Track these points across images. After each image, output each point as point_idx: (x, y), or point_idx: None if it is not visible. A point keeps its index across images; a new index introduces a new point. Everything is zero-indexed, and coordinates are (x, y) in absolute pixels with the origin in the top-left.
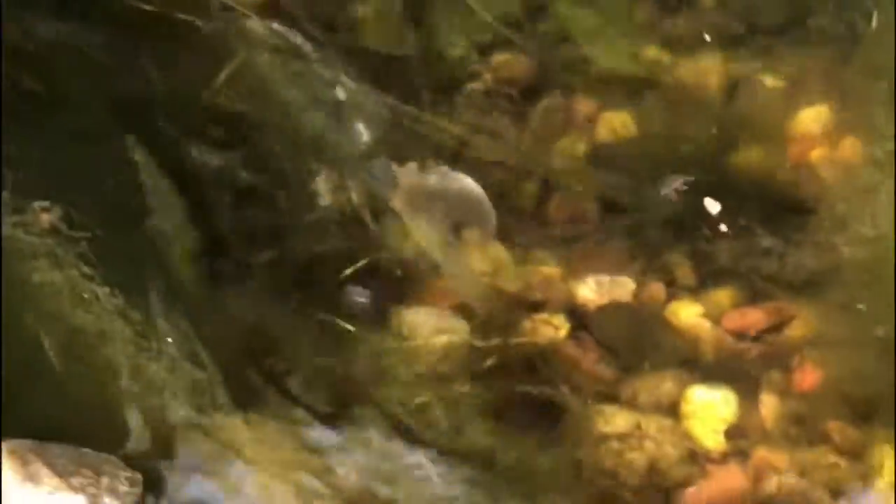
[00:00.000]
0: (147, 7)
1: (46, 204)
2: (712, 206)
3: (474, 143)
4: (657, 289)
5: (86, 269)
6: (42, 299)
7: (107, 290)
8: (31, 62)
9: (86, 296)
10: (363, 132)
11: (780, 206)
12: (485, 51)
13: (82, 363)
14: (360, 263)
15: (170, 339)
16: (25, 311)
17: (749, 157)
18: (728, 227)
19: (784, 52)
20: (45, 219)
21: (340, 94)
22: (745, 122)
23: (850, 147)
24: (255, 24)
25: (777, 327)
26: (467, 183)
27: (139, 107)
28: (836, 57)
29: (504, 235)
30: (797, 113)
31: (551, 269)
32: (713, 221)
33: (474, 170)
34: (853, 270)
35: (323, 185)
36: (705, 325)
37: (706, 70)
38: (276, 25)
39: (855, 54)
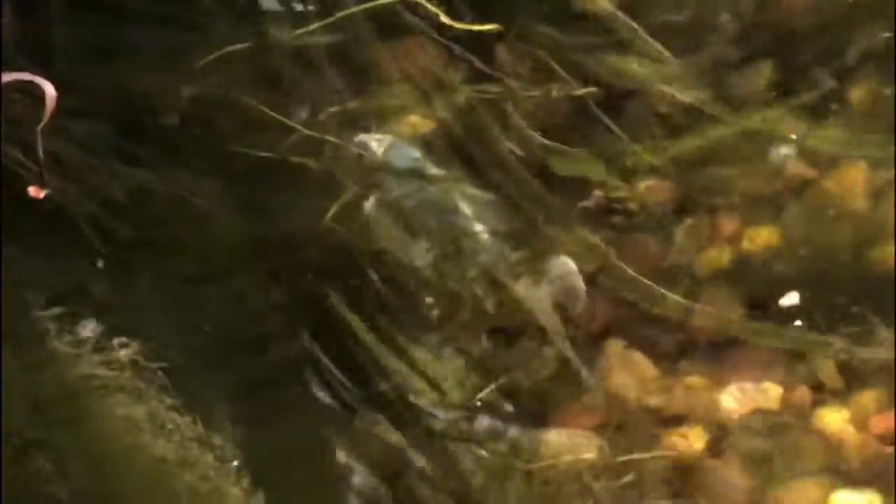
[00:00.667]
0: (262, 153)
1: (125, 340)
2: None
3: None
4: (803, 394)
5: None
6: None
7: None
8: (132, 213)
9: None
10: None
11: None
12: (628, 176)
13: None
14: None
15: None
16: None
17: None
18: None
19: None
20: (124, 354)
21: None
22: (888, 225)
23: None
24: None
25: None
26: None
27: (253, 248)
28: None
29: (649, 346)
30: None
31: (695, 380)
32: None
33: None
34: None
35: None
36: (850, 430)
37: (851, 179)
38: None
39: None
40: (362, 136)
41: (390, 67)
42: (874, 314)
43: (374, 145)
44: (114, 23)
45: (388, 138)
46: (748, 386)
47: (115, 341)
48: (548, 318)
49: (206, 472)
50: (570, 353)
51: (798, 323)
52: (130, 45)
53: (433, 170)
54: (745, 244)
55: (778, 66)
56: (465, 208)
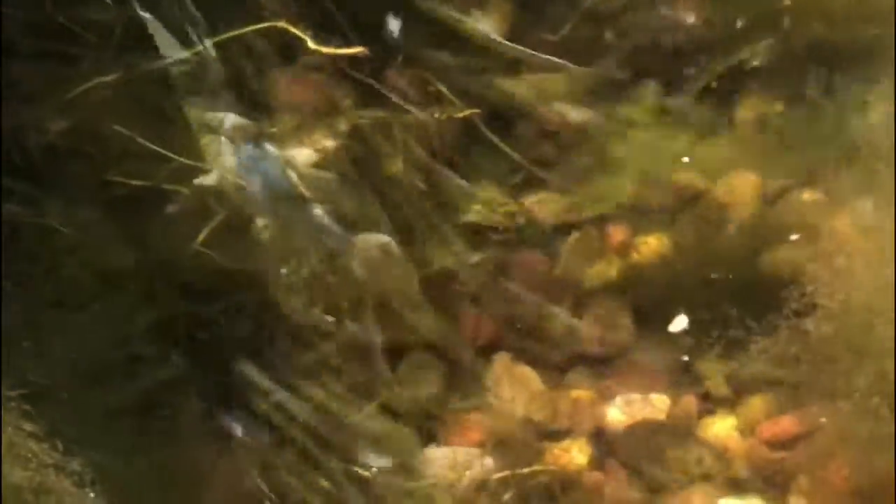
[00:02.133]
0: (134, 182)
1: None
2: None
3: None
4: (689, 403)
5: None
6: None
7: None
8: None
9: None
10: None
11: None
12: (516, 191)
13: None
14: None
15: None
16: None
17: (781, 257)
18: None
19: (818, 165)
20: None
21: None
22: (777, 232)
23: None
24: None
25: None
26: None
27: (123, 274)
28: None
29: (536, 359)
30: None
31: (581, 393)
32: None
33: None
34: None
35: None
36: (737, 437)
37: (740, 189)
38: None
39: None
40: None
41: (281, 92)
42: (756, 322)
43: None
44: None
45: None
46: (635, 397)
47: None
48: None
49: (63, 498)
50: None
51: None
52: (8, 81)
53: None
54: (634, 255)
55: (665, 83)
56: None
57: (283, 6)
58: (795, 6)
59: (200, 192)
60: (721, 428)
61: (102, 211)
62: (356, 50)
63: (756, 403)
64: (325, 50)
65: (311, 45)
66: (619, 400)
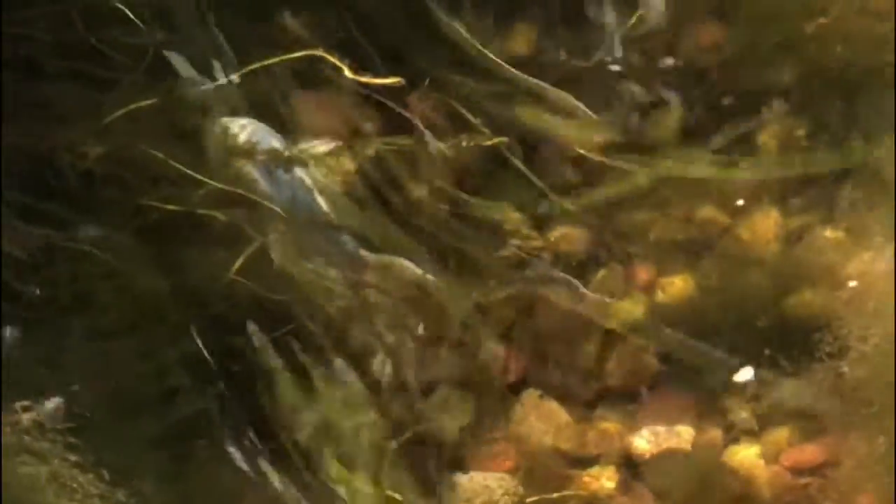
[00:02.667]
0: (169, 207)
1: (27, 403)
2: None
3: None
4: (715, 433)
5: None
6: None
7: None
8: (39, 271)
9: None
10: None
11: None
12: (541, 223)
13: None
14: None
15: None
16: None
17: (805, 300)
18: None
19: (841, 201)
20: (27, 417)
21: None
22: (802, 271)
23: None
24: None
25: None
26: None
27: (161, 301)
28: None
29: (564, 393)
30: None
31: (609, 425)
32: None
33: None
34: None
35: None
36: (761, 465)
37: (763, 226)
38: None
39: None
40: (224, 119)
41: (307, 117)
42: (786, 358)
43: (235, 129)
44: (23, 80)
45: (251, 123)
46: (660, 429)
47: (17, 405)
48: None
49: None
50: None
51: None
52: (39, 102)
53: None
54: (660, 294)
55: (688, 107)
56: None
57: (310, 33)
58: (819, 32)
59: (236, 219)
60: (745, 456)
61: (137, 236)
62: (392, 80)
63: (781, 433)
64: (362, 79)
65: (348, 73)
66: (645, 431)
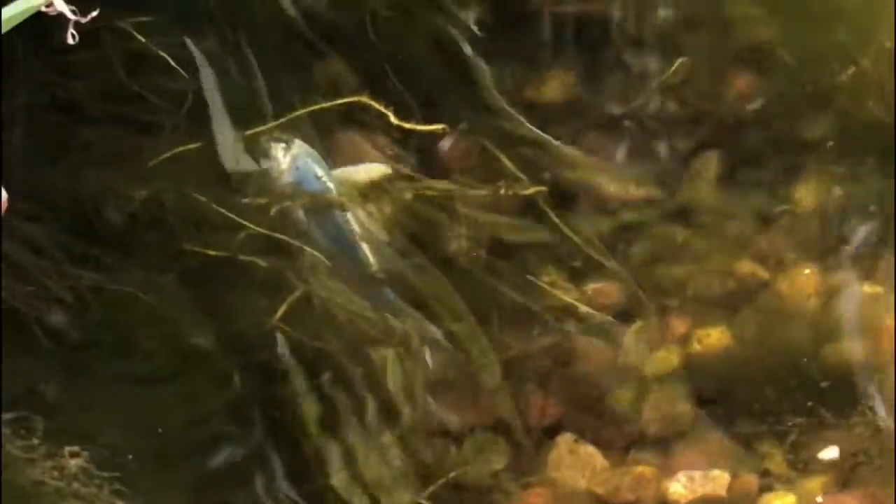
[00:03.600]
0: (211, 252)
1: (76, 449)
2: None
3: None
4: (750, 481)
5: None
6: None
7: None
8: (83, 314)
9: None
10: None
11: None
12: (577, 276)
13: None
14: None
15: None
16: None
17: (840, 354)
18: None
19: (877, 257)
20: (74, 463)
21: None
22: (839, 326)
23: None
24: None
25: None
26: None
27: (204, 347)
28: None
29: (599, 438)
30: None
31: (644, 469)
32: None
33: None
34: None
35: None
36: None
37: (801, 282)
38: None
39: None
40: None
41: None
42: (825, 409)
43: (279, 154)
44: (67, 123)
45: (295, 147)
46: (696, 474)
47: (67, 450)
48: None
49: None
50: None
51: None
52: (83, 145)
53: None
54: (696, 346)
55: (725, 156)
56: None
57: (349, 77)
58: (852, 83)
59: (278, 265)
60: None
61: (180, 281)
62: (437, 127)
63: (816, 482)
64: (406, 126)
65: (393, 120)
66: (681, 476)
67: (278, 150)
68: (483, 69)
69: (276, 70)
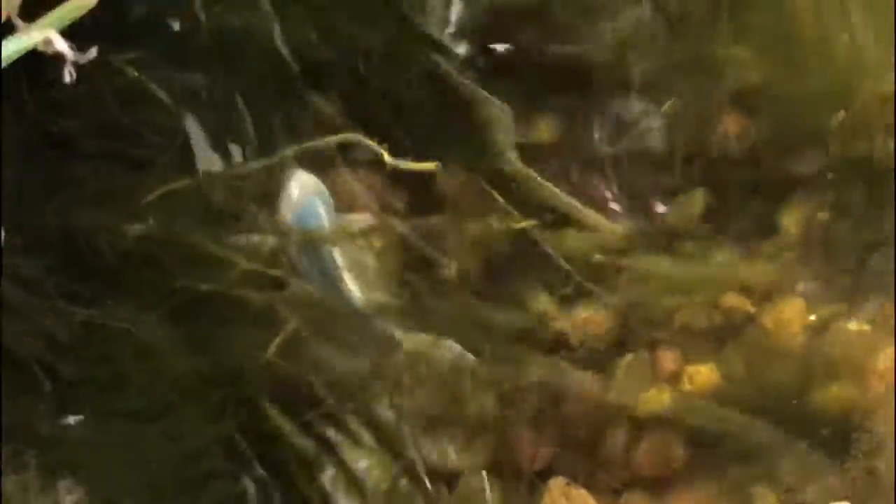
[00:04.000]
0: (203, 286)
1: (70, 485)
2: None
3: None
4: None
5: None
6: None
7: None
8: (77, 350)
9: None
10: None
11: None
12: (566, 303)
13: None
14: None
15: None
16: None
17: (829, 396)
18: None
19: (865, 293)
20: (69, 499)
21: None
22: (826, 365)
23: None
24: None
25: None
26: None
27: (197, 382)
28: None
29: (592, 481)
30: (879, 353)
31: None
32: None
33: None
34: None
35: None
36: None
37: (788, 316)
38: None
39: None
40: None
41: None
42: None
43: (293, 189)
44: (60, 159)
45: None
46: None
47: (61, 484)
48: None
49: None
50: None
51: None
52: (76, 181)
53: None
54: (686, 384)
55: (712, 194)
56: None
57: (340, 115)
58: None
59: (271, 300)
60: None
61: (174, 316)
62: (430, 165)
63: None
64: (401, 165)
65: (387, 158)
66: None
67: (292, 185)
68: (476, 107)
69: (269, 107)
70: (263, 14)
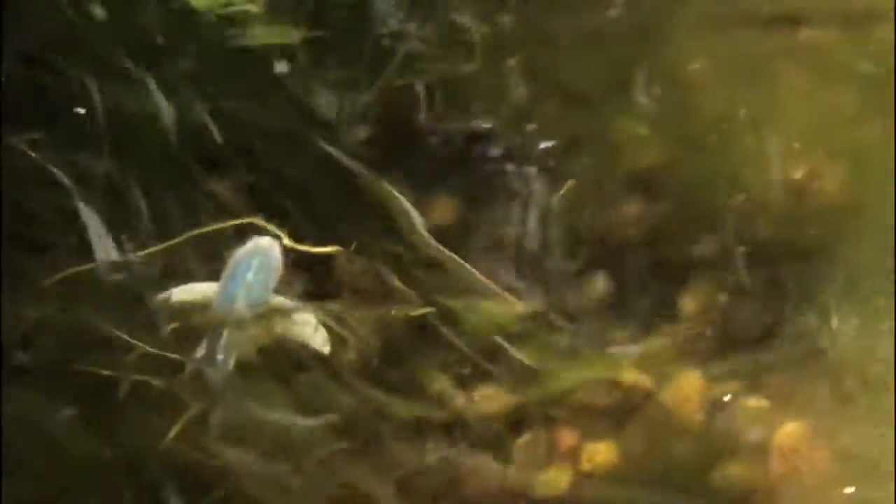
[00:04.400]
0: (105, 372)
1: None
2: None
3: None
4: None
5: None
6: None
7: None
8: None
9: None
10: None
11: None
12: (464, 383)
13: None
14: None
15: None
16: None
17: (730, 474)
18: None
19: (762, 369)
20: None
21: None
22: (726, 442)
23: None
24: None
25: None
26: None
27: (95, 468)
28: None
29: None
30: (777, 430)
31: None
32: None
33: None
34: None
35: None
36: None
37: (686, 393)
38: None
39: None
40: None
41: None
42: None
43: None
44: None
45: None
46: None
47: None
48: None
49: None
50: None
51: None
52: None
53: None
54: (585, 463)
55: (611, 277)
56: None
57: (241, 200)
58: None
59: (172, 384)
60: None
61: (73, 402)
62: (332, 249)
63: None
64: (301, 248)
65: (287, 242)
66: None
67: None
68: (374, 190)
69: (165, 191)
70: (156, 98)
